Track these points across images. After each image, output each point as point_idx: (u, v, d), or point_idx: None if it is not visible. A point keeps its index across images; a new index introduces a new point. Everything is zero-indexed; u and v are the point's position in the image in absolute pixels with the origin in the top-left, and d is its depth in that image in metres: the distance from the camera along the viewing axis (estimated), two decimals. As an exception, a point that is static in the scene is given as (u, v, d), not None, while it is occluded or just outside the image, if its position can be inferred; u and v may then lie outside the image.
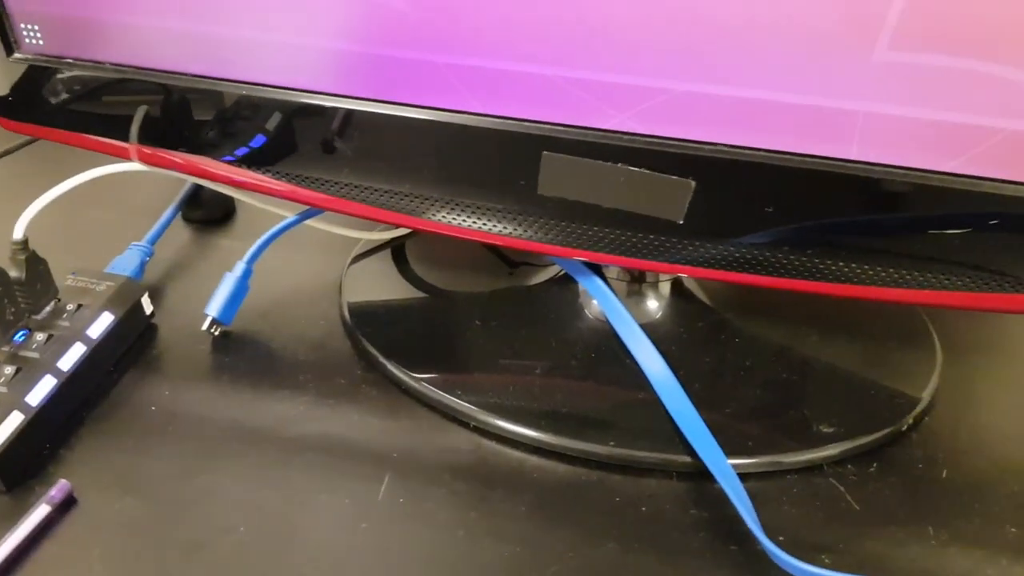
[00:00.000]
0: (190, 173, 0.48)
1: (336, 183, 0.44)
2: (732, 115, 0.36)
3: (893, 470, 0.43)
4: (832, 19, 0.32)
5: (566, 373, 0.47)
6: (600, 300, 0.48)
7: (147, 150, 0.47)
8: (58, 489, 0.40)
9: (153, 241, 0.57)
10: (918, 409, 0.46)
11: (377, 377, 0.49)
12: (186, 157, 0.47)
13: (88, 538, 0.39)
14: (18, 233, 0.46)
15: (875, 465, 0.43)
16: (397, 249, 0.59)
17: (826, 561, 0.38)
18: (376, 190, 0.43)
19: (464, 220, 0.43)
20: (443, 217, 0.43)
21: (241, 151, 0.45)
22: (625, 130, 0.37)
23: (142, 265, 0.55)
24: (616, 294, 0.48)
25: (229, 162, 0.46)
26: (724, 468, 0.41)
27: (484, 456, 0.44)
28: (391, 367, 0.48)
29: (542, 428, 0.44)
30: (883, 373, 0.48)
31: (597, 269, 0.49)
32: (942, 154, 0.34)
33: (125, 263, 0.54)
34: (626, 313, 0.47)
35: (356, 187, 0.44)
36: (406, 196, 0.43)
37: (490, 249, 0.58)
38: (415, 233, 0.59)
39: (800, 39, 0.33)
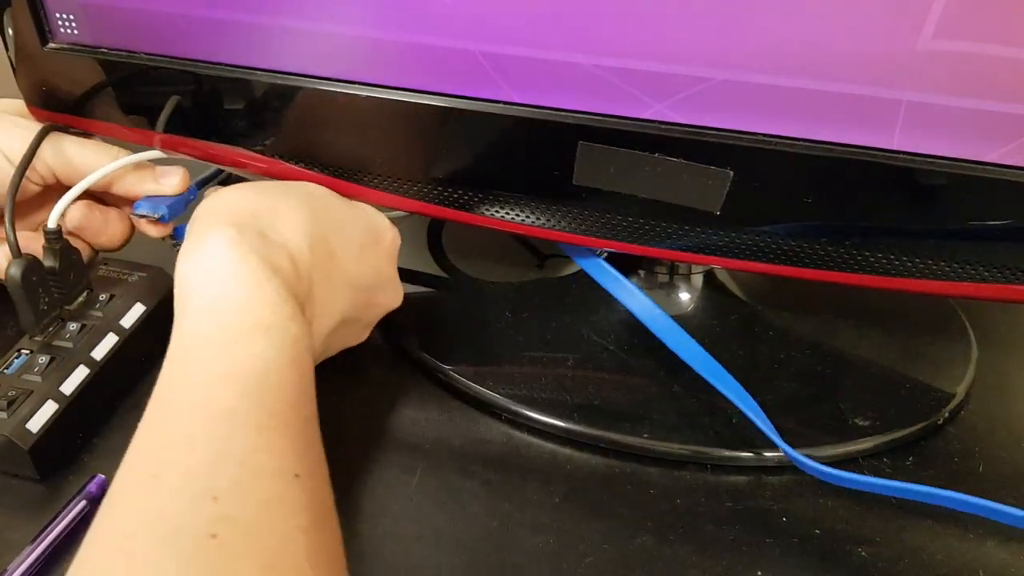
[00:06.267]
0: (222, 163, 0.48)
1: (369, 174, 0.44)
2: (771, 104, 0.35)
3: (929, 464, 0.43)
4: (877, 7, 0.32)
5: (598, 364, 0.47)
6: (604, 280, 0.48)
7: (174, 139, 0.47)
8: (96, 484, 0.40)
9: (201, 185, 0.56)
10: (954, 403, 0.45)
11: (408, 368, 0.49)
12: (217, 147, 0.47)
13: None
14: (52, 223, 0.45)
15: (911, 459, 0.43)
16: (432, 240, 0.59)
17: (863, 554, 0.38)
18: (409, 181, 0.43)
19: (497, 211, 0.43)
20: (476, 207, 0.43)
21: (272, 141, 0.45)
22: (662, 119, 0.37)
23: (185, 203, 0.54)
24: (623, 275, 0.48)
25: (260, 152, 0.46)
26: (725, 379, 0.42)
27: (516, 447, 0.44)
28: (423, 358, 0.48)
29: (574, 419, 0.44)
30: (918, 367, 0.48)
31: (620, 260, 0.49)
32: (985, 144, 0.34)
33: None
34: (631, 285, 0.47)
35: (389, 178, 0.44)
36: (440, 187, 0.43)
37: (521, 241, 0.57)
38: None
39: (843, 27, 0.33)
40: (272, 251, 0.36)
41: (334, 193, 0.44)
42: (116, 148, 0.49)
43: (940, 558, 0.38)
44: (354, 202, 0.44)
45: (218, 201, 0.39)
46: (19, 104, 0.51)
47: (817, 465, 0.39)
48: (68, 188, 0.48)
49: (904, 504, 0.40)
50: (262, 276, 0.35)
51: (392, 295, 0.45)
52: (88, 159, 0.48)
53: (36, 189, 0.49)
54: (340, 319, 0.41)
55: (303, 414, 0.33)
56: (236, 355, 0.32)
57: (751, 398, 0.42)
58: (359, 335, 0.46)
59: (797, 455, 0.39)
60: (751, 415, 0.41)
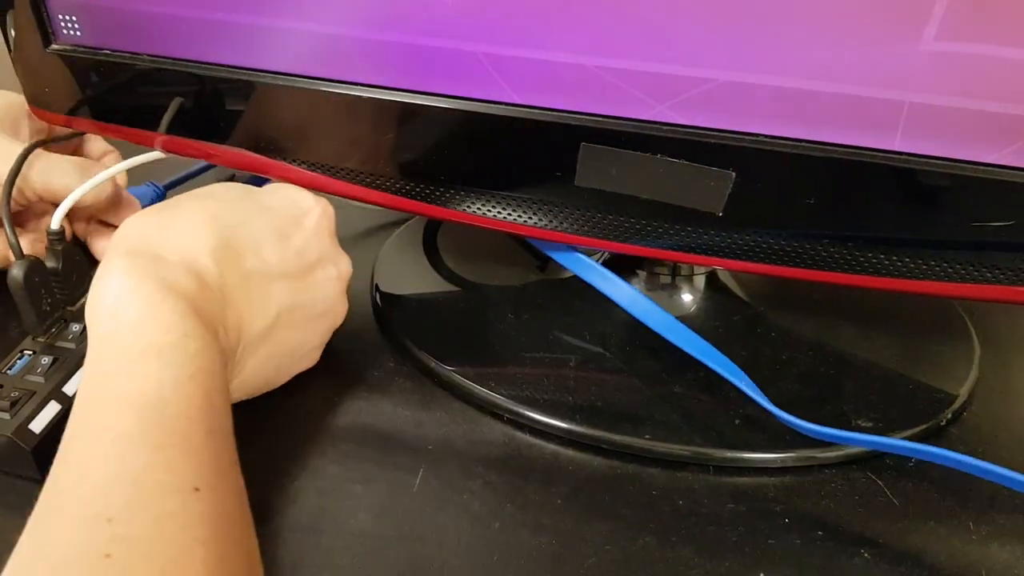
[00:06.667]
0: (222, 163, 0.48)
1: (371, 175, 0.44)
2: (774, 105, 0.35)
3: (932, 465, 0.43)
4: (879, 8, 0.32)
5: (600, 366, 0.47)
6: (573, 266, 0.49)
7: (176, 140, 0.47)
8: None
9: (169, 187, 0.58)
10: (957, 404, 0.45)
11: (410, 369, 0.49)
12: (217, 148, 0.47)
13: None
14: (55, 224, 0.46)
15: (914, 460, 0.43)
16: (429, 242, 0.59)
17: (866, 555, 0.38)
18: (411, 182, 0.43)
19: (499, 212, 0.43)
20: (478, 209, 0.43)
21: (275, 141, 0.45)
22: (665, 121, 0.37)
23: (150, 202, 0.55)
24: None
25: (261, 152, 0.46)
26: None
27: (518, 448, 0.44)
28: (424, 359, 0.48)
29: (576, 420, 0.44)
30: (921, 367, 0.48)
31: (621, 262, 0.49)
32: (986, 145, 0.34)
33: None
34: (603, 270, 0.47)
35: (391, 179, 0.44)
36: (442, 188, 0.43)
37: (522, 243, 0.57)
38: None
39: (845, 28, 0.33)
40: (168, 271, 0.37)
41: (242, 186, 0.44)
42: (89, 162, 0.51)
43: (943, 559, 0.38)
44: (271, 187, 0.44)
45: (119, 233, 0.40)
46: None
47: (805, 423, 0.40)
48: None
49: (906, 505, 0.40)
50: (156, 298, 0.35)
51: (335, 268, 0.45)
52: (59, 180, 0.50)
53: (19, 208, 0.50)
54: (277, 312, 0.41)
55: (206, 427, 0.33)
56: (130, 379, 0.33)
57: (734, 364, 0.43)
58: (330, 317, 0.45)
59: (782, 413, 0.41)
60: (732, 378, 0.42)
